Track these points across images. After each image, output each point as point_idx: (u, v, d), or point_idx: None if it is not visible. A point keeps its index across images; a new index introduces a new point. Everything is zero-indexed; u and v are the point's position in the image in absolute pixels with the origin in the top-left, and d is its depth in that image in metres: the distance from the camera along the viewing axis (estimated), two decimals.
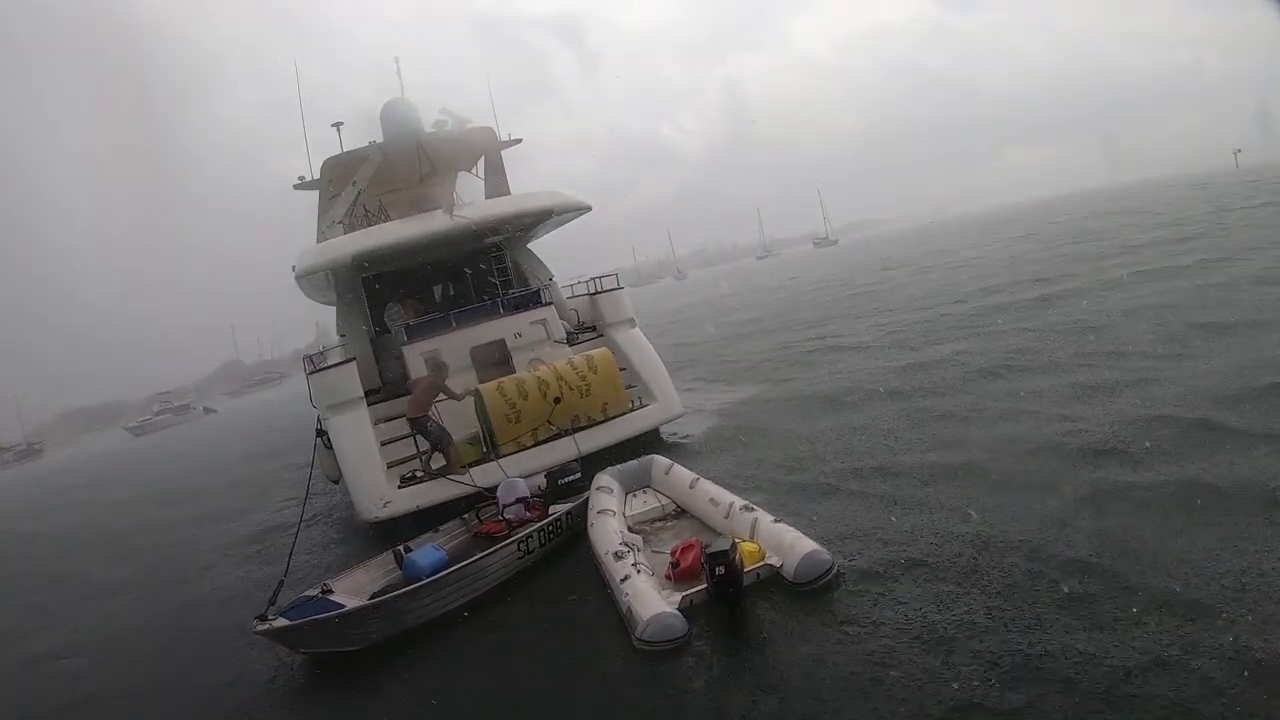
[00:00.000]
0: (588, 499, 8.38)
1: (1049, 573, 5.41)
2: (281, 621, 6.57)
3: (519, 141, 15.54)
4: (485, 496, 9.15)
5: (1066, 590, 5.12)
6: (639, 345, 12.55)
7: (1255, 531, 5.45)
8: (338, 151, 14.43)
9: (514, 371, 11.57)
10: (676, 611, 5.60)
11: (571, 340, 12.78)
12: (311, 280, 13.26)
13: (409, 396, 10.51)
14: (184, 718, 6.62)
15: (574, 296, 14.26)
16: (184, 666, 7.51)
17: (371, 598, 7.13)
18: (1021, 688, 4.26)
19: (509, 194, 14.54)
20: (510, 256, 13.99)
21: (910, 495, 7.55)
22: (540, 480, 9.49)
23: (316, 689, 6.53)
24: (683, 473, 8.54)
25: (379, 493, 9.98)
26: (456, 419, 10.69)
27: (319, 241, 13.65)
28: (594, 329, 13.21)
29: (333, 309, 14.41)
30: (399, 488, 10.12)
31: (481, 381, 11.10)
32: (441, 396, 10.39)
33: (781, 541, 6.23)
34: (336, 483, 11.59)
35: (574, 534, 8.15)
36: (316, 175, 14.61)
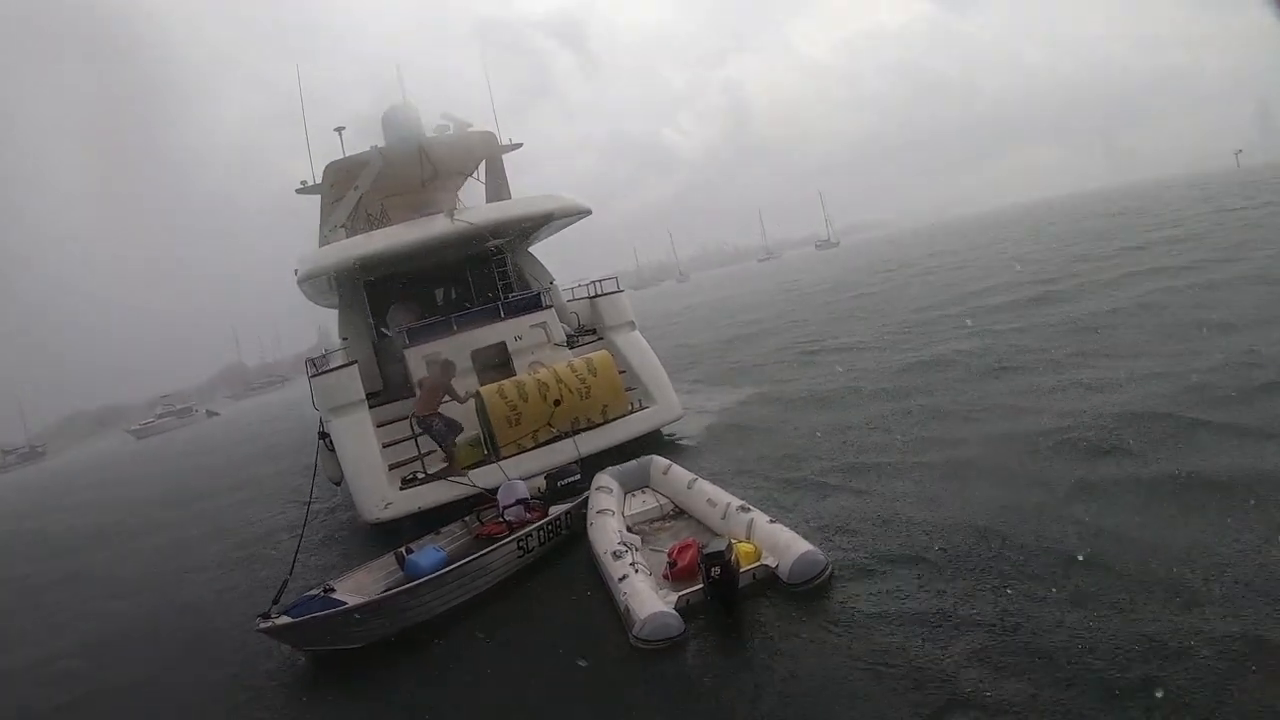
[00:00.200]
0: (587, 499, 8.47)
1: (1045, 567, 5.51)
2: (284, 619, 6.65)
3: (519, 146, 15.69)
4: (486, 498, 9.23)
5: (1062, 584, 5.22)
6: (639, 348, 12.62)
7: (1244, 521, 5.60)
8: (340, 156, 14.55)
9: (514, 374, 11.65)
10: (673, 611, 5.67)
11: (572, 343, 12.89)
12: (314, 284, 13.37)
13: (418, 396, 10.60)
14: (187, 715, 6.69)
15: (574, 300, 14.36)
16: (188, 665, 7.59)
17: None
18: (1017, 682, 4.33)
19: (510, 198, 14.69)
20: (511, 260, 14.10)
21: (907, 491, 7.64)
22: (540, 482, 9.58)
23: (317, 688, 6.61)
24: (681, 473, 8.62)
25: (380, 494, 10.06)
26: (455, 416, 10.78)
27: (321, 245, 13.77)
28: (594, 332, 13.29)
29: (335, 312, 14.52)
30: (400, 489, 10.21)
31: (482, 384, 11.19)
32: (446, 398, 10.49)
33: (777, 542, 6.30)
34: (338, 484, 11.68)
35: (573, 534, 8.23)
36: (318, 180, 14.73)
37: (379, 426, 11.10)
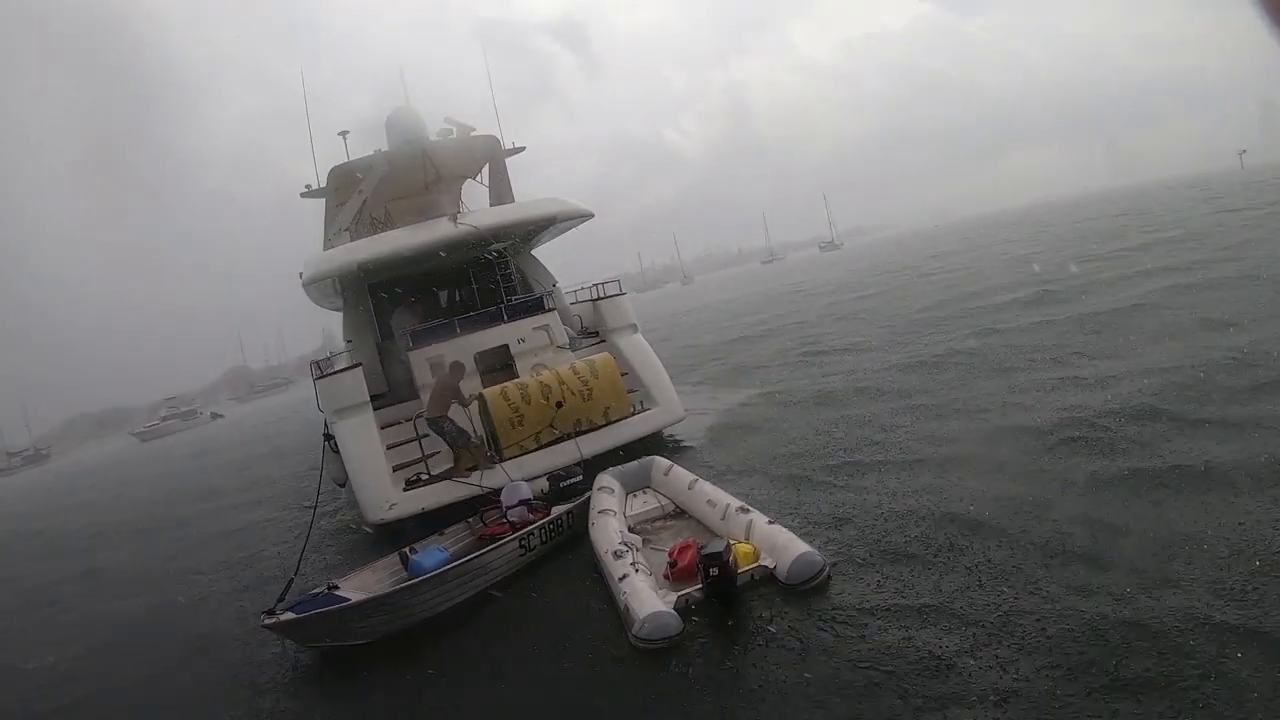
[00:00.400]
0: (589, 499, 8.56)
1: (1044, 562, 5.63)
2: (288, 615, 6.76)
3: (522, 150, 15.81)
4: (489, 500, 9.31)
5: (1060, 578, 5.33)
6: (641, 350, 12.70)
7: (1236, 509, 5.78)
8: (344, 160, 14.67)
9: (517, 376, 11.73)
10: (672, 610, 5.75)
11: (574, 345, 12.97)
12: (319, 287, 13.47)
13: (429, 398, 10.71)
14: (193, 712, 6.77)
15: (577, 302, 14.45)
16: (194, 662, 7.71)
17: None
18: (1016, 678, 4.40)
19: (513, 201, 14.79)
20: (514, 263, 14.18)
21: (906, 489, 7.75)
22: (543, 484, 9.67)
23: (320, 683, 6.71)
24: (682, 474, 8.70)
25: (384, 495, 10.14)
26: (462, 423, 10.86)
27: (326, 249, 13.88)
28: (596, 334, 13.38)
29: (339, 315, 14.63)
30: (404, 490, 10.29)
31: (485, 386, 11.27)
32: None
33: (775, 543, 6.38)
34: (342, 486, 11.78)
35: (575, 533, 8.32)
36: (323, 183, 14.85)
37: (383, 428, 11.20)
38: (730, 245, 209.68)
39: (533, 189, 15.27)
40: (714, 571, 5.84)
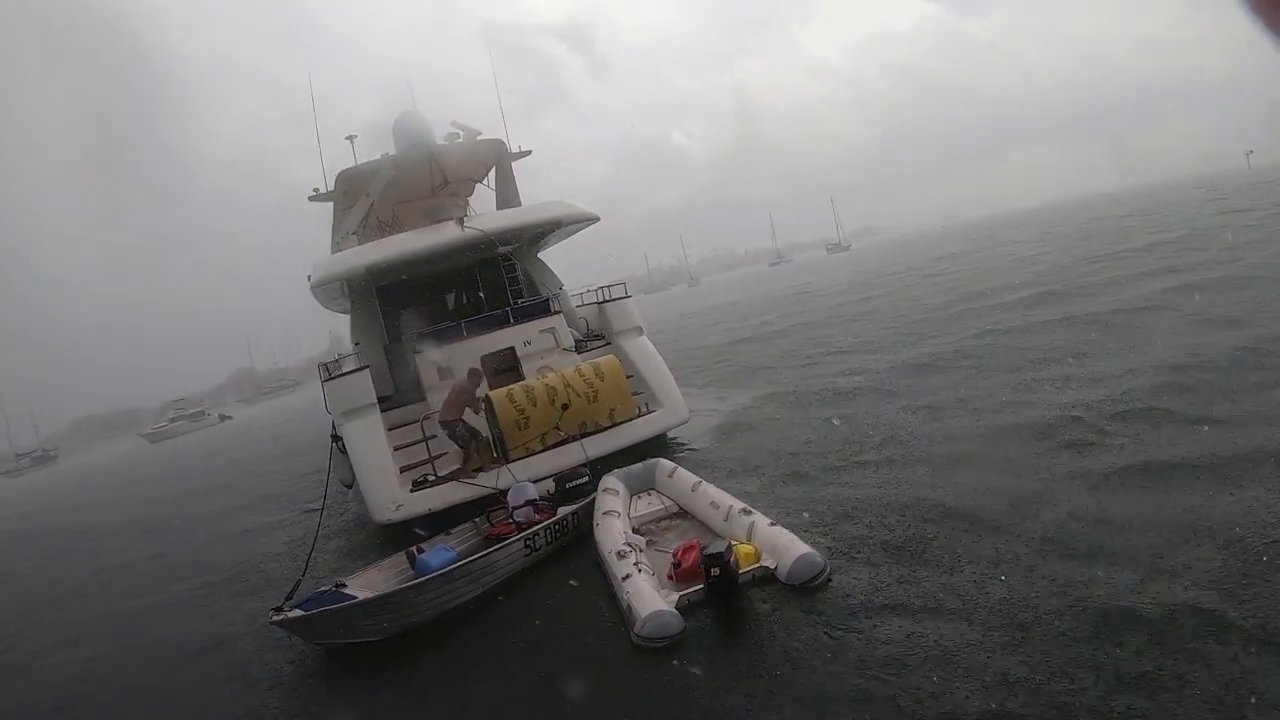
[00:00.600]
0: (594, 500, 8.65)
1: (1042, 558, 5.73)
2: (296, 613, 6.85)
3: (529, 154, 15.92)
4: (496, 500, 9.39)
5: (1059, 573, 5.43)
6: (646, 353, 12.76)
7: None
8: (351, 164, 14.80)
9: (523, 379, 11.82)
10: (674, 610, 5.83)
11: (580, 348, 13.05)
12: (327, 290, 13.56)
13: (444, 401, 10.83)
14: (199, 709, 6.89)
15: (583, 305, 14.53)
16: (203, 659, 7.84)
17: None
18: (1015, 675, 4.45)
19: (519, 204, 14.89)
20: (520, 266, 14.28)
21: (907, 488, 7.89)
22: (549, 484, 9.75)
23: (327, 680, 6.80)
24: (686, 476, 8.78)
25: (392, 496, 10.24)
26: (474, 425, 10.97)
27: (333, 252, 13.97)
28: (602, 337, 13.46)
29: (346, 317, 14.74)
30: (411, 491, 10.39)
31: (492, 388, 11.37)
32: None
33: (777, 544, 6.46)
34: (350, 487, 11.89)
35: (581, 534, 8.41)
36: (330, 187, 14.98)
37: (390, 430, 11.30)
38: (737, 247, 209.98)
39: (540, 191, 15.45)
40: (715, 571, 5.93)
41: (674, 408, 11.95)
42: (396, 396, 12.57)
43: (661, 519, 8.49)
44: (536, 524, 8.47)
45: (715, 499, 7.85)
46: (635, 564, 6.55)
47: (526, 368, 12.26)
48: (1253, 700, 3.83)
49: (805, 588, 6.01)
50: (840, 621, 5.48)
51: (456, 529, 9.13)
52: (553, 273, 14.80)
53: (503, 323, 12.72)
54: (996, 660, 4.61)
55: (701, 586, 6.10)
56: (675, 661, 5.44)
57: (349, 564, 9.53)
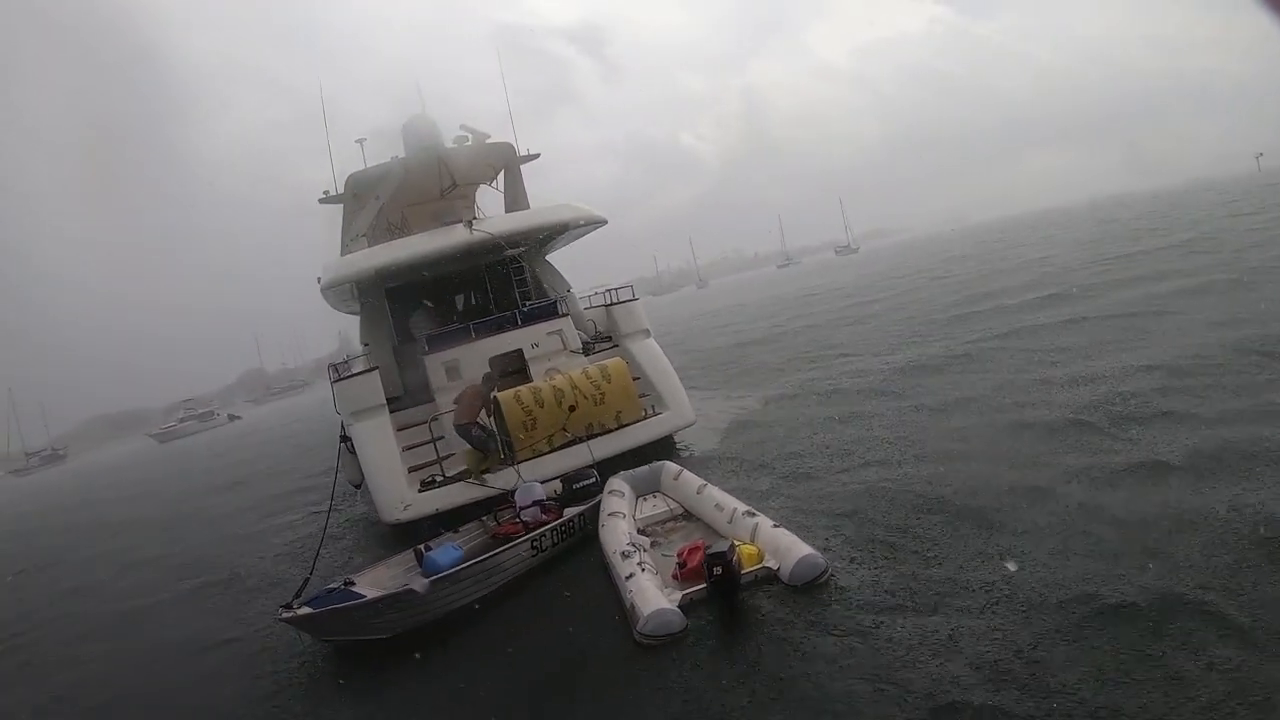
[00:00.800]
0: (600, 501, 8.73)
1: (1042, 554, 5.81)
2: (305, 610, 6.96)
3: (537, 156, 16.03)
4: (503, 500, 9.47)
5: (1062, 574, 5.49)
6: (653, 355, 12.84)
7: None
8: (361, 166, 14.93)
9: (531, 380, 11.89)
10: (676, 609, 5.91)
11: (587, 350, 13.13)
12: (336, 292, 13.70)
13: (458, 404, 10.92)
14: (209, 704, 6.95)
15: (590, 308, 14.62)
16: (212, 655, 7.95)
17: None
18: (1014, 674, 4.51)
19: (528, 207, 15.01)
20: (529, 268, 14.37)
21: (908, 487, 7.93)
22: (556, 485, 9.83)
23: (334, 677, 6.89)
24: (691, 478, 8.85)
25: (400, 496, 10.34)
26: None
27: (343, 254, 14.11)
28: (609, 339, 13.54)
29: (355, 318, 14.86)
30: (419, 492, 10.48)
31: (500, 390, 11.45)
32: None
33: (779, 545, 6.53)
34: (358, 487, 12.01)
35: (586, 535, 8.49)
36: (340, 189, 15.11)
37: (399, 430, 11.40)
38: (746, 249, 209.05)
39: (549, 193, 15.50)
40: (718, 571, 6.01)
41: (680, 410, 12.00)
42: (405, 397, 12.66)
43: (666, 521, 8.57)
44: (544, 525, 8.53)
45: (720, 501, 7.92)
46: (639, 564, 6.62)
47: (534, 369, 12.33)
48: (1252, 696, 3.88)
49: (807, 588, 6.07)
50: (841, 620, 5.54)
51: (464, 527, 9.23)
52: (561, 275, 14.89)
53: (511, 325, 12.80)
54: (997, 659, 4.66)
55: (704, 586, 6.17)
56: (677, 659, 5.51)
57: (358, 561, 9.62)
